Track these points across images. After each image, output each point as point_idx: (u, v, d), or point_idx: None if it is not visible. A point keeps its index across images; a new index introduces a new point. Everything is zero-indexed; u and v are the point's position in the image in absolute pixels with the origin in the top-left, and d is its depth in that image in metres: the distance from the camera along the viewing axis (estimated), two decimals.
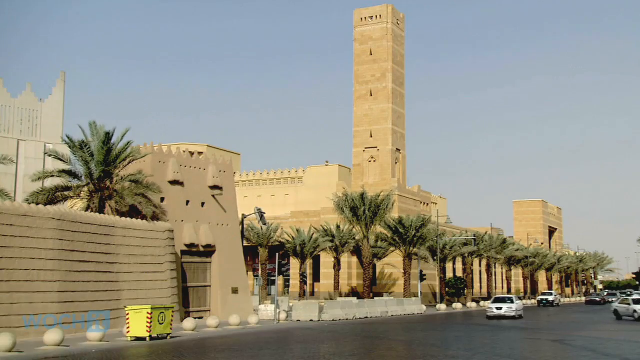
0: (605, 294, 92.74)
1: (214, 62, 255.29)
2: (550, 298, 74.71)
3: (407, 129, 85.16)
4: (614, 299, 71.60)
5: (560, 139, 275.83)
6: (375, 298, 54.62)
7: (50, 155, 34.70)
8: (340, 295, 67.47)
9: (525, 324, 37.69)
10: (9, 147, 47.44)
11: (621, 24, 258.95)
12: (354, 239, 67.21)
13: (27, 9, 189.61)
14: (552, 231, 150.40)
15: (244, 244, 46.55)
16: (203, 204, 38.82)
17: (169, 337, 25.79)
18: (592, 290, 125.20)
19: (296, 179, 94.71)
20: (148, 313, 24.53)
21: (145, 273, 31.73)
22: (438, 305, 59.67)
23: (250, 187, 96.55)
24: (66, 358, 19.31)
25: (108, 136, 33.22)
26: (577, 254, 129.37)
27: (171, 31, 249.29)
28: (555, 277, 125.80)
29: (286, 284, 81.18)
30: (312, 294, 78.31)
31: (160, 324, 25.27)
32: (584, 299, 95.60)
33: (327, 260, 76.17)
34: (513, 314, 43.54)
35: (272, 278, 73.23)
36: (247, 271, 50.74)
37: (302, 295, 69.81)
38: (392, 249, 68.28)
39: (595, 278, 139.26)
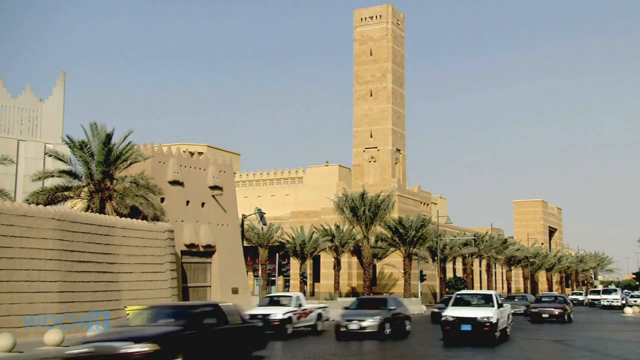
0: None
1: (214, 62, 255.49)
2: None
3: (407, 129, 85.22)
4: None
5: (560, 139, 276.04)
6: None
7: (50, 155, 34.72)
8: (340, 296, 67.43)
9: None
10: (9, 147, 47.45)
11: (621, 24, 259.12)
12: (354, 239, 67.18)
13: (27, 9, 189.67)
14: (552, 231, 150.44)
15: (244, 244, 46.54)
16: (203, 204, 38.82)
17: None
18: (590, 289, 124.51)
19: (296, 179, 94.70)
20: None
21: (145, 273, 31.73)
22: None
23: (250, 187, 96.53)
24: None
25: (109, 137, 33.24)
26: (577, 254, 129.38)
27: (171, 31, 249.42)
28: (556, 277, 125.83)
29: (286, 284, 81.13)
30: (312, 294, 78.29)
31: None
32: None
33: (327, 260, 76.15)
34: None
35: (272, 278, 73.25)
36: (247, 271, 50.72)
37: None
38: (392, 249, 68.24)
39: (596, 278, 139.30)
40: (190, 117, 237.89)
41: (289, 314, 28.28)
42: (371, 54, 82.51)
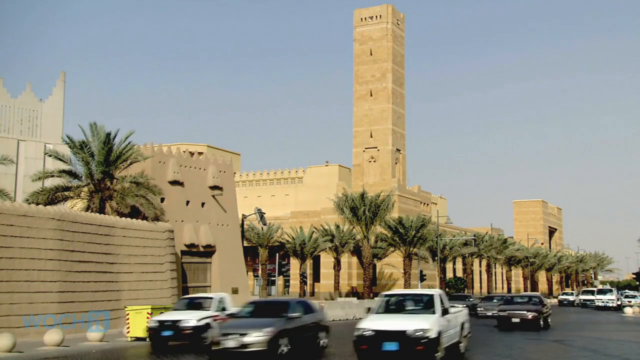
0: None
1: (214, 62, 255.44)
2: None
3: (407, 129, 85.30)
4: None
5: (560, 139, 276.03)
6: (376, 298, 54.59)
7: (50, 155, 34.76)
8: (340, 295, 67.44)
9: None
10: (9, 147, 47.44)
11: (621, 24, 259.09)
12: (354, 239, 67.21)
13: (27, 9, 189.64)
14: (552, 231, 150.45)
15: (244, 244, 46.54)
16: (203, 204, 38.83)
17: None
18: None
19: (296, 179, 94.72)
20: (148, 313, 24.52)
21: (145, 273, 31.73)
22: None
23: (250, 187, 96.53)
24: (66, 358, 19.30)
25: (109, 137, 33.28)
26: (577, 254, 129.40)
27: (171, 31, 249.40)
28: (555, 277, 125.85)
29: (286, 284, 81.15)
30: (312, 294, 78.28)
31: None
32: None
33: (327, 260, 76.16)
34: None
35: (272, 278, 73.28)
36: (247, 271, 50.73)
37: (302, 295, 69.77)
38: (392, 249, 68.27)
39: (595, 278, 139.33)
40: (190, 117, 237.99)
41: (207, 320, 22.04)
42: (371, 54, 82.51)
